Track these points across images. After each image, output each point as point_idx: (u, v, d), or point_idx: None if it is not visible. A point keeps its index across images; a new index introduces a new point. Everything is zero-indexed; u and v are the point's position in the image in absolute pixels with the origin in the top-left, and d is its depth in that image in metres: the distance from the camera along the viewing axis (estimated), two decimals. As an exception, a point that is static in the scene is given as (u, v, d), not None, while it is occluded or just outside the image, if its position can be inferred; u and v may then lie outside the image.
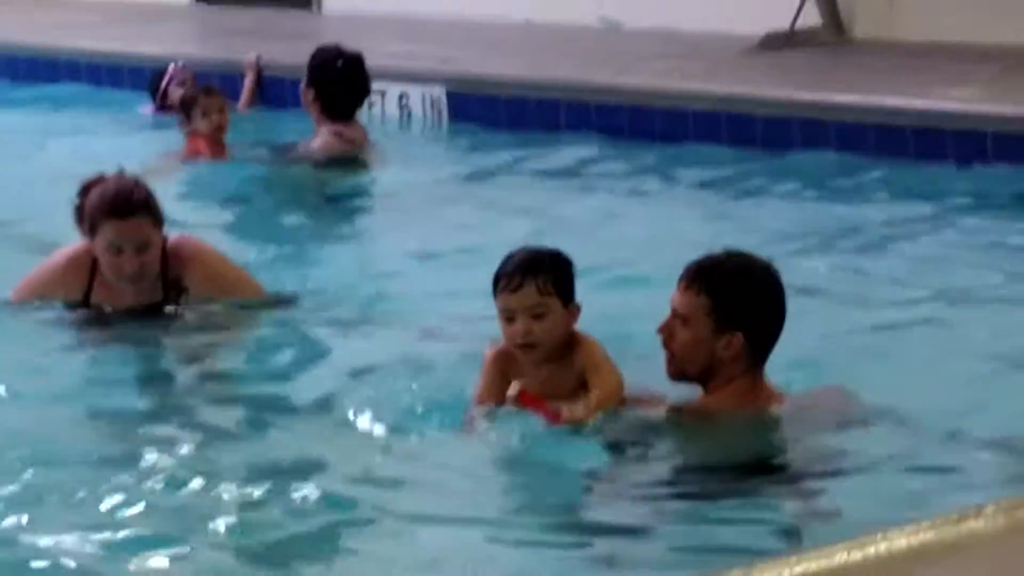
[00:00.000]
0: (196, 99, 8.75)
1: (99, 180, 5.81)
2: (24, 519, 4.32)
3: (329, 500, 4.44)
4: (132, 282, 5.71)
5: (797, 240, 7.42)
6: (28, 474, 4.58)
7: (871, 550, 2.95)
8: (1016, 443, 4.93)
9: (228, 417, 5.21)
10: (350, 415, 5.05)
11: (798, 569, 2.84)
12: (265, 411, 5.22)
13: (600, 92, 9.37)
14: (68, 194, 7.05)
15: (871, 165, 8.27)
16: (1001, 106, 8.32)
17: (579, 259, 5.70)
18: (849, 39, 10.50)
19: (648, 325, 5.11)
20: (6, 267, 6.18)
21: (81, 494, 4.47)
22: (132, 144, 9.41)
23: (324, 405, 5.23)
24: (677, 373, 4.71)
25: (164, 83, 9.96)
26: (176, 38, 10.61)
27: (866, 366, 5.71)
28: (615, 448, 4.78)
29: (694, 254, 5.60)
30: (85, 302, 5.78)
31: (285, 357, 5.73)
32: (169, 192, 7.91)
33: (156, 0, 13.37)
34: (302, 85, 8.70)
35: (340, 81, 8.53)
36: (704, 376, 4.72)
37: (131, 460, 4.74)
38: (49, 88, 11.29)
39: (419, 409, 5.17)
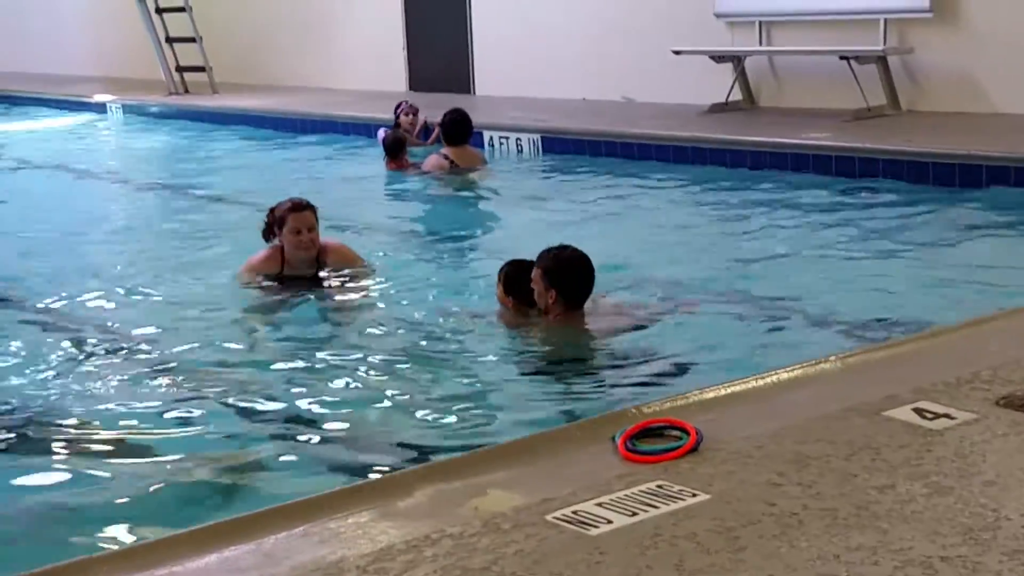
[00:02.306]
0: (404, 145, 9.51)
1: (278, 204, 5.89)
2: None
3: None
4: (305, 252, 5.78)
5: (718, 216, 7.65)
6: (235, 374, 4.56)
7: (749, 384, 3.10)
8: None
9: (350, 330, 5.18)
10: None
11: (681, 402, 2.98)
12: (375, 324, 5.16)
13: (623, 136, 9.87)
14: (323, 189, 8.39)
15: (765, 176, 8.55)
16: (838, 142, 8.68)
17: (607, 237, 6.73)
18: (757, 106, 11.04)
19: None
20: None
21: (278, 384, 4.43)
22: (364, 162, 10.35)
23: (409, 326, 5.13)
24: (536, 309, 4.82)
25: (397, 112, 10.40)
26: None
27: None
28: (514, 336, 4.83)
29: (677, 240, 6.61)
30: (280, 274, 5.85)
31: (386, 295, 5.69)
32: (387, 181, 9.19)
33: (384, 89, 13.76)
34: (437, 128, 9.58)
35: (455, 123, 9.28)
36: (545, 311, 4.80)
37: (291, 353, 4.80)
38: (324, 136, 11.97)
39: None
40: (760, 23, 10.96)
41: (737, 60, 10.90)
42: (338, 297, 5.73)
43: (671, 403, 3.04)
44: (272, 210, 5.94)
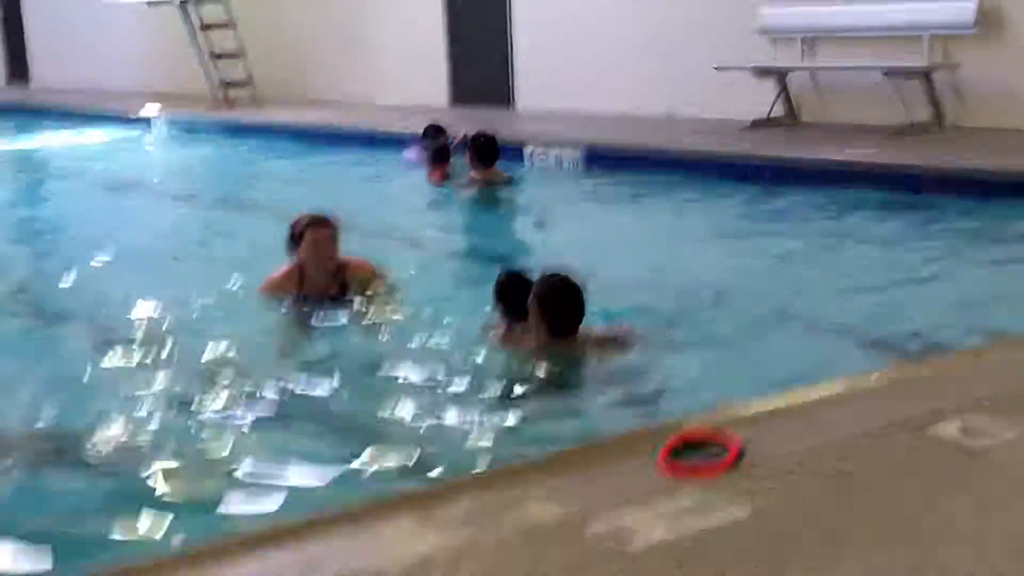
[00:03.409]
0: (445, 153, 9.56)
1: (298, 218, 5.76)
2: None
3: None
4: (324, 266, 5.63)
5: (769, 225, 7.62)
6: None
7: (791, 399, 3.07)
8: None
9: (377, 340, 5.16)
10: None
11: (722, 416, 2.96)
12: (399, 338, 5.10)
13: (665, 151, 9.75)
14: (359, 203, 8.48)
15: (807, 192, 8.33)
16: (881, 158, 8.63)
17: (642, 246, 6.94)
18: (799, 121, 10.86)
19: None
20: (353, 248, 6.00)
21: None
22: (402, 176, 10.24)
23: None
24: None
25: (426, 136, 10.16)
26: (439, 122, 10.58)
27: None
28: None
29: (717, 256, 6.61)
30: (298, 293, 5.68)
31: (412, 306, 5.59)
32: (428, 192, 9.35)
33: (427, 103, 13.73)
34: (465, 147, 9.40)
35: (477, 147, 9.27)
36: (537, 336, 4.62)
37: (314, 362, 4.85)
38: (364, 150, 11.78)
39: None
40: (803, 38, 10.81)
41: (780, 75, 10.77)
42: (359, 315, 5.57)
43: (712, 416, 3.03)
44: (293, 224, 5.80)
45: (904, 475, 2.62)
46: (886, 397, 3.20)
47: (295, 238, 5.76)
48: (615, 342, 4.80)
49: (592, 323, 4.88)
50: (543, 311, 4.63)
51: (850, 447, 2.80)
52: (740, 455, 2.70)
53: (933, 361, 3.73)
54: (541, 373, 4.55)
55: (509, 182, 9.56)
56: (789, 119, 10.89)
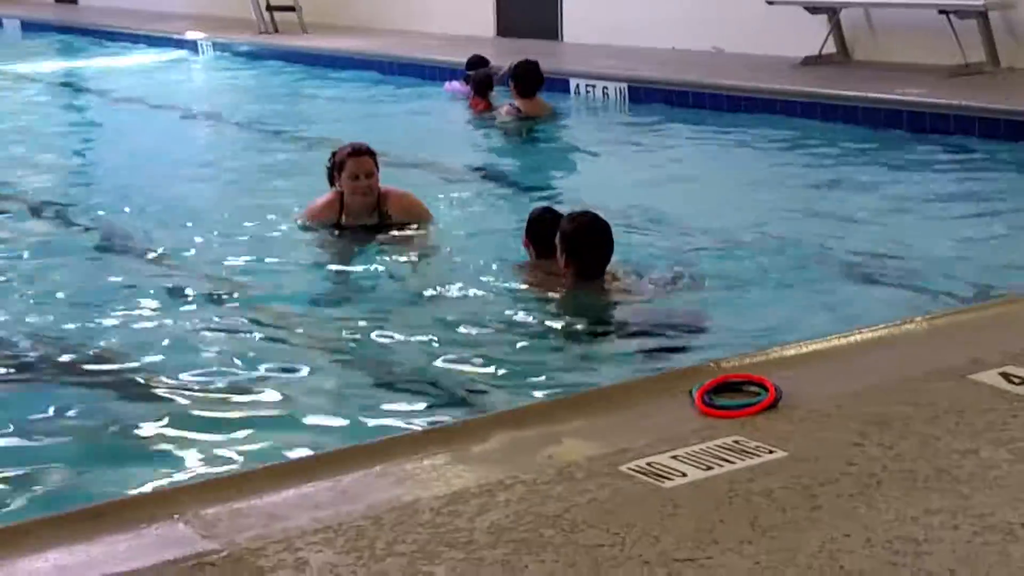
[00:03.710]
0: (489, 83, 9.66)
1: (339, 148, 5.79)
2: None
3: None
4: (363, 198, 5.65)
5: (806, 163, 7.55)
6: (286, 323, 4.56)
7: (831, 343, 3.05)
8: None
9: (402, 282, 5.11)
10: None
11: (760, 358, 2.93)
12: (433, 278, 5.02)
13: (712, 87, 9.74)
14: (402, 132, 8.63)
15: (857, 131, 8.37)
16: (934, 98, 8.50)
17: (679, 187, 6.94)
18: (851, 59, 10.68)
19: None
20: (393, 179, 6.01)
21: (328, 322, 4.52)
22: (444, 106, 10.39)
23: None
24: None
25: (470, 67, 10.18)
26: (484, 53, 10.74)
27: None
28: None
29: (762, 196, 6.53)
30: (338, 223, 5.74)
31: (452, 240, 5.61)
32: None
33: (471, 34, 13.71)
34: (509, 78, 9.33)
35: (526, 74, 9.23)
36: (563, 274, 4.63)
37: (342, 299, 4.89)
38: (409, 79, 11.87)
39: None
40: (858, -26, 10.77)
41: (832, 12, 10.64)
42: (397, 246, 5.59)
43: (750, 359, 3.01)
44: (334, 154, 5.83)
45: (943, 422, 2.61)
46: (927, 344, 3.17)
47: (336, 167, 5.79)
48: (643, 284, 4.76)
49: (624, 263, 4.83)
50: (569, 251, 4.60)
51: (889, 392, 2.78)
52: (778, 397, 2.69)
53: (975, 308, 3.69)
54: (571, 313, 4.54)
55: (552, 113, 9.53)
56: (841, 57, 10.77)
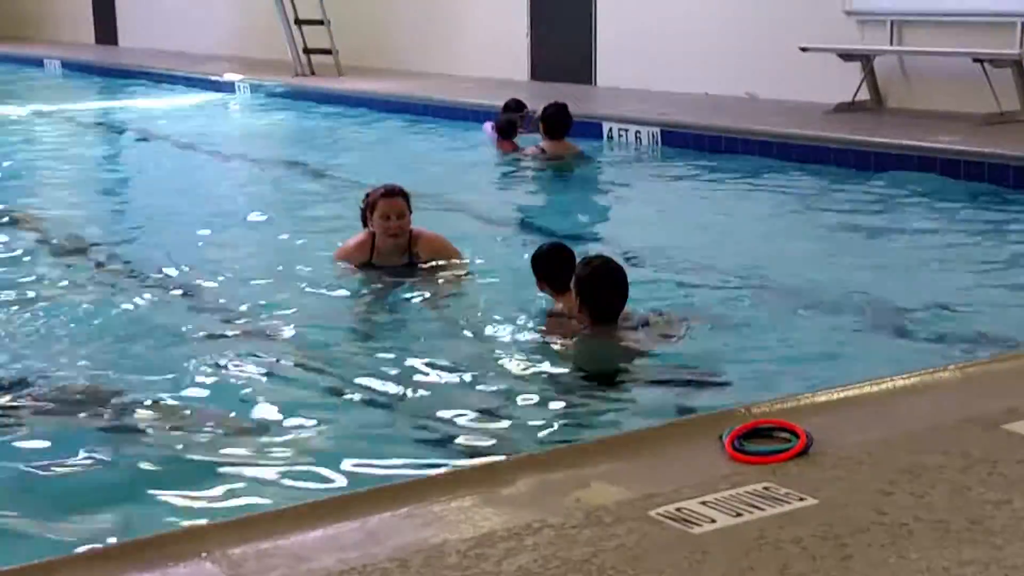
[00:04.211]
0: (512, 126, 9.83)
1: (372, 189, 5.85)
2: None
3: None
4: (394, 238, 5.68)
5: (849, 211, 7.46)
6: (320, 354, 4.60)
7: (863, 389, 3.00)
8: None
9: (431, 322, 5.13)
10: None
11: (791, 404, 2.91)
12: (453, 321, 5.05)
13: (744, 132, 9.71)
14: (437, 174, 8.72)
15: (890, 178, 8.32)
16: (967, 146, 8.45)
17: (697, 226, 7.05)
18: (884, 106, 10.72)
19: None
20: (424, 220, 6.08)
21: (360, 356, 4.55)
22: (480, 148, 10.30)
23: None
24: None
25: (507, 110, 10.23)
26: (518, 96, 10.71)
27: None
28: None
29: (793, 242, 6.55)
30: (369, 262, 5.77)
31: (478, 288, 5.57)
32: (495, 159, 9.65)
33: (506, 77, 13.85)
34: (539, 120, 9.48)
35: (551, 117, 9.39)
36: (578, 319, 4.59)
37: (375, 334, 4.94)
38: (444, 121, 11.90)
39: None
40: (892, 22, 10.70)
41: (866, 59, 10.64)
42: (427, 287, 5.61)
43: (781, 404, 2.98)
44: (367, 195, 5.88)
45: (976, 471, 2.58)
46: (960, 392, 3.14)
47: (369, 207, 5.83)
48: (663, 327, 4.70)
49: (644, 307, 4.80)
50: (583, 296, 4.56)
51: (922, 440, 2.75)
52: (809, 444, 2.66)
53: (1009, 358, 3.64)
54: (589, 358, 4.52)
55: (580, 155, 9.60)
56: (874, 104, 10.79)
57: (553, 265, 4.86)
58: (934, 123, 9.50)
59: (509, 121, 9.99)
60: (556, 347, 4.64)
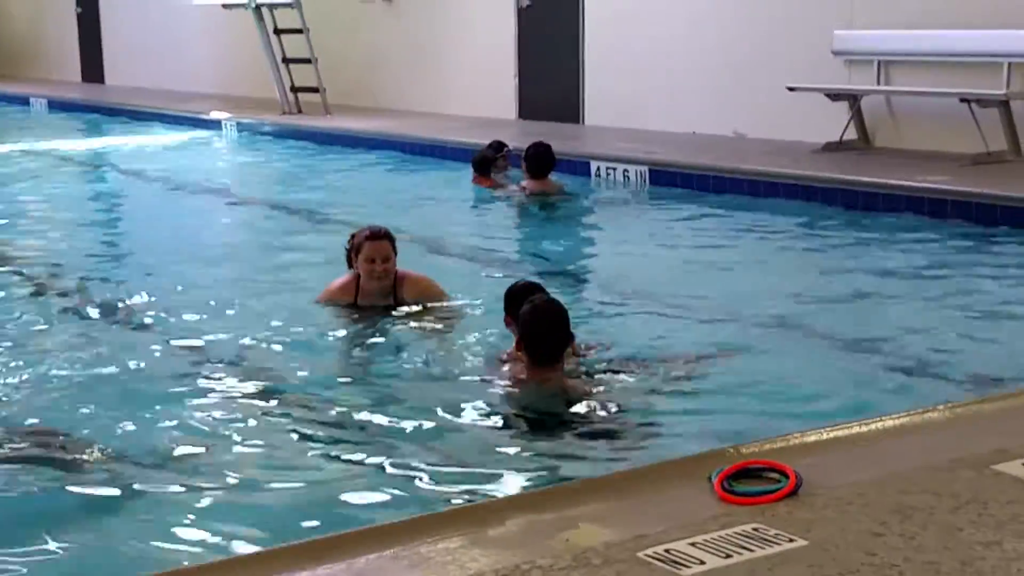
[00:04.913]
0: (491, 162, 9.88)
1: (358, 231, 5.86)
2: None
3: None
4: (379, 281, 5.69)
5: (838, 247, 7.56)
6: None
7: (852, 430, 3.00)
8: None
9: (409, 363, 5.05)
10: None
11: (780, 444, 2.90)
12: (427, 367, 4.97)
13: (732, 171, 9.71)
14: (424, 213, 8.73)
15: (878, 218, 8.36)
16: (955, 186, 8.47)
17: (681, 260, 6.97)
18: (872, 146, 10.73)
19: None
20: (409, 262, 6.03)
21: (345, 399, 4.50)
22: (467, 187, 10.18)
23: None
24: None
25: (491, 150, 10.18)
26: (505, 136, 10.78)
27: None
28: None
29: (781, 280, 6.52)
30: (354, 304, 5.78)
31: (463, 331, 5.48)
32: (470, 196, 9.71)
33: (493, 116, 13.93)
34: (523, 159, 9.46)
35: (535, 157, 9.41)
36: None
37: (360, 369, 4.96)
38: (432, 160, 11.88)
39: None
40: (879, 62, 10.74)
41: (853, 99, 10.70)
42: (411, 329, 5.59)
43: (770, 444, 2.97)
44: (352, 236, 5.90)
45: (966, 512, 2.57)
46: (950, 432, 3.14)
47: (354, 250, 5.86)
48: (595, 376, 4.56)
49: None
50: (522, 334, 4.47)
51: (912, 481, 2.75)
52: (798, 484, 2.66)
53: (998, 398, 3.65)
54: (527, 402, 4.43)
55: (563, 193, 9.65)
56: (862, 143, 10.79)
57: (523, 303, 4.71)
58: (922, 163, 9.56)
59: (484, 156, 10.08)
60: (498, 390, 4.58)
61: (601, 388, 4.50)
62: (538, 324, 4.43)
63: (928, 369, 4.90)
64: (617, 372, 4.63)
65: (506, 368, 4.69)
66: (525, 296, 4.71)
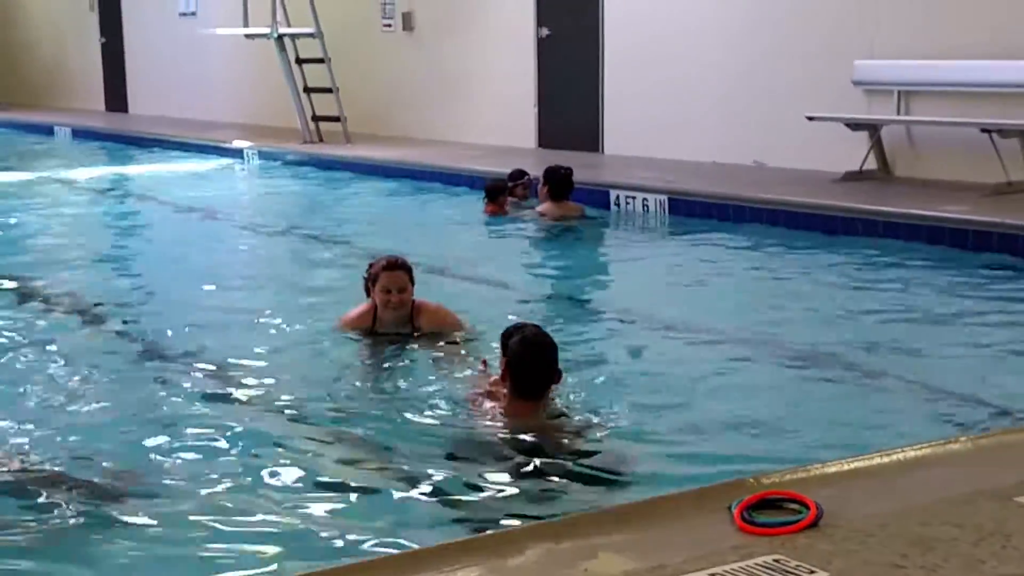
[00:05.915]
0: (505, 190, 10.03)
1: (376, 260, 5.92)
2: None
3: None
4: (395, 310, 5.74)
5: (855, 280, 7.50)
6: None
7: (873, 461, 2.98)
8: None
9: (417, 390, 5.04)
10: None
11: (801, 475, 2.88)
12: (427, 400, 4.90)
13: (752, 200, 9.74)
14: (444, 241, 8.79)
15: (898, 248, 8.34)
16: (976, 216, 8.46)
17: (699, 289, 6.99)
18: (892, 175, 10.73)
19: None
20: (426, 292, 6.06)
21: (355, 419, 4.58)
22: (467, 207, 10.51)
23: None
24: None
25: (511, 180, 10.32)
26: (525, 165, 10.86)
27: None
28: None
29: (799, 309, 6.55)
30: (372, 330, 5.82)
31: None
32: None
33: (513, 145, 14.02)
34: (541, 182, 9.68)
35: (558, 179, 9.57)
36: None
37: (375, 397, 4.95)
38: (452, 189, 12.01)
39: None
40: (898, 92, 10.74)
41: (873, 128, 10.68)
42: (428, 357, 5.61)
43: (791, 475, 2.94)
44: (371, 265, 5.94)
45: (989, 544, 2.53)
46: (972, 464, 3.11)
47: (371, 279, 5.89)
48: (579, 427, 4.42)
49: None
50: (508, 363, 4.37)
51: (933, 513, 2.71)
52: (819, 515, 2.63)
53: (1021, 429, 3.61)
54: (517, 435, 4.35)
55: (582, 215, 9.75)
56: (882, 173, 10.77)
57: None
58: (942, 192, 9.53)
59: (495, 185, 10.17)
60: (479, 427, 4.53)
61: (596, 420, 4.45)
62: (525, 355, 4.34)
63: (949, 400, 4.86)
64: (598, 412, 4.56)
65: (486, 403, 4.62)
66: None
